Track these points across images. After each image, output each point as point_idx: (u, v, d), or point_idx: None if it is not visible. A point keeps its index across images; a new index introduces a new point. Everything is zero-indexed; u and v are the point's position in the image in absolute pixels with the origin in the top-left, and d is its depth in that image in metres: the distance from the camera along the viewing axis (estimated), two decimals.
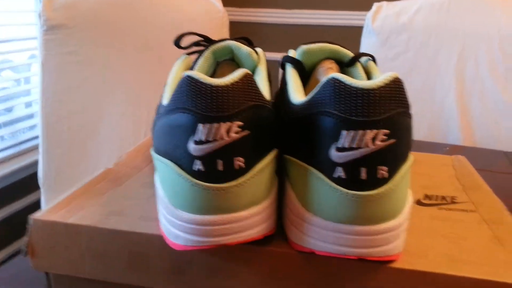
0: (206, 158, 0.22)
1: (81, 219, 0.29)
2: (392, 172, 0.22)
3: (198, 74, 0.23)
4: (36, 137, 1.26)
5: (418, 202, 0.35)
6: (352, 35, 1.12)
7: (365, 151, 0.21)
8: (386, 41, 1.01)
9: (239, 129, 0.22)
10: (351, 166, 0.21)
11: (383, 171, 0.22)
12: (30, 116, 1.48)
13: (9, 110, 1.41)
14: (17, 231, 1.38)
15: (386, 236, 0.23)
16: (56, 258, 0.29)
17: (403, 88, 0.22)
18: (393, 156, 0.22)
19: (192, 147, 0.22)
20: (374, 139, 0.21)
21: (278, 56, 1.68)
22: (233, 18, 1.61)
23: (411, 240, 0.27)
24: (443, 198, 0.36)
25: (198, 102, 0.22)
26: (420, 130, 1.02)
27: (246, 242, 0.25)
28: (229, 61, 0.35)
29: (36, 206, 1.14)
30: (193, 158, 0.22)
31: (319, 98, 0.23)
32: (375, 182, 0.22)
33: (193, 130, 0.22)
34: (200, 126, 0.22)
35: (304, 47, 0.31)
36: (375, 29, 1.02)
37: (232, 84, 0.23)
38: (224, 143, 0.22)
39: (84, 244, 0.29)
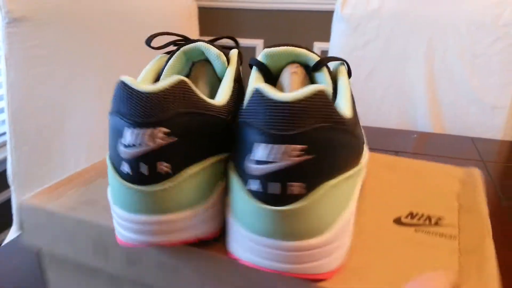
0: (132, 161, 0.23)
1: (57, 206, 0.32)
2: (310, 188, 0.21)
3: (131, 79, 0.24)
4: (5, 133, 1.23)
5: (397, 221, 0.32)
6: (326, 20, 1.11)
7: (279, 166, 0.21)
8: (356, 28, 1.01)
9: (164, 136, 0.22)
10: (264, 180, 0.21)
11: (298, 187, 0.21)
12: (0, 111, 1.44)
13: None
14: None
15: (311, 253, 0.22)
16: (39, 237, 0.34)
17: (327, 102, 0.21)
18: (310, 172, 0.21)
19: (121, 149, 0.23)
20: (288, 153, 0.20)
21: (251, 42, 1.67)
22: (204, 4, 1.59)
23: (362, 260, 0.26)
24: (428, 218, 0.32)
25: (127, 107, 0.23)
26: (390, 118, 1.03)
27: (187, 243, 0.26)
28: (204, 62, 0.34)
29: (7, 204, 1.12)
30: (121, 160, 0.23)
31: (246, 108, 0.22)
32: (290, 198, 0.21)
33: (122, 134, 0.23)
34: (128, 130, 0.23)
35: (267, 50, 0.30)
36: (345, 16, 1.02)
37: (162, 91, 0.23)
38: (148, 148, 0.23)
39: (57, 228, 0.32)
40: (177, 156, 0.23)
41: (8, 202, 1.08)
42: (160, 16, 1.07)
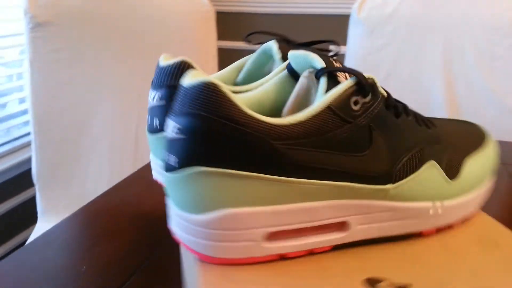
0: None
1: None
2: (181, 164, 0.26)
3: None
4: (29, 134, 1.27)
5: None
6: (342, 23, 1.12)
7: (167, 138, 0.27)
8: (372, 32, 1.01)
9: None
10: (165, 151, 0.27)
11: (173, 160, 0.26)
12: (24, 112, 1.49)
13: (2, 106, 1.42)
14: (14, 228, 1.40)
15: (196, 230, 0.28)
16: None
17: (216, 95, 0.25)
18: (181, 149, 0.26)
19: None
20: (171, 129, 0.26)
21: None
22: (222, 9, 1.61)
23: None
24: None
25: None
26: None
27: None
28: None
29: (32, 202, 1.16)
30: None
31: None
32: (169, 167, 0.27)
33: None
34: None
35: (290, 53, 0.32)
36: (361, 20, 1.02)
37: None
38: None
39: None
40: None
41: (33, 199, 1.12)
42: (179, 20, 1.09)
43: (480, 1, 0.94)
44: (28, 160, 1.16)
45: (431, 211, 0.33)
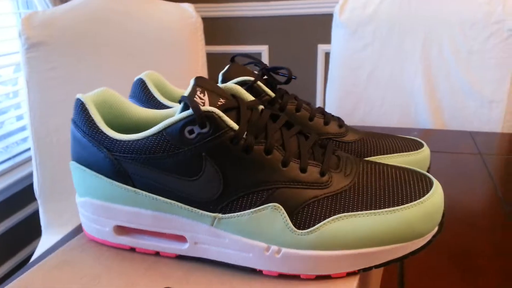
0: None
1: None
2: (71, 156, 0.38)
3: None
4: (30, 149, 1.31)
5: None
6: (328, 22, 1.16)
7: None
8: (354, 33, 1.06)
9: None
10: None
11: None
12: (23, 129, 1.53)
13: (1, 124, 1.45)
14: (18, 244, 1.44)
15: None
16: None
17: (79, 107, 0.35)
18: (71, 145, 0.38)
19: None
20: None
21: (257, 48, 1.72)
22: (209, 15, 1.64)
23: None
24: None
25: None
26: (392, 115, 1.08)
27: None
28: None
29: (35, 217, 1.20)
30: None
31: None
32: None
33: None
34: None
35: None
36: (343, 22, 1.07)
37: None
38: None
39: None
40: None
41: (36, 213, 1.15)
42: (168, 34, 1.14)
43: None
44: (29, 176, 1.20)
45: (266, 253, 0.32)
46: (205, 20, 1.26)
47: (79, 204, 0.39)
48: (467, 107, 1.00)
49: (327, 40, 1.21)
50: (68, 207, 1.14)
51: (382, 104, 1.06)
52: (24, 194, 1.43)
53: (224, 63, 0.44)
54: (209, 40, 1.34)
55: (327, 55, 1.64)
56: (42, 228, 1.15)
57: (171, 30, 1.14)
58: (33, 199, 1.16)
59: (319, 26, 1.62)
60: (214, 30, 1.69)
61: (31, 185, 1.16)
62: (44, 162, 1.12)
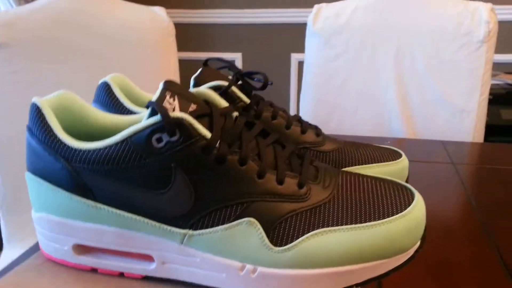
0: None
1: None
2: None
3: None
4: None
5: None
6: (302, 32, 1.15)
7: None
8: (327, 42, 1.06)
9: None
10: None
11: None
12: None
13: None
14: None
15: None
16: None
17: (35, 112, 0.32)
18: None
19: None
20: None
21: (230, 56, 1.70)
22: (181, 20, 1.62)
23: None
24: None
25: None
26: (365, 124, 1.07)
27: None
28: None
29: None
30: None
31: None
32: None
33: None
34: None
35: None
36: (316, 31, 1.06)
37: None
38: None
39: None
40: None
41: None
42: (138, 38, 1.10)
43: (427, 9, 1.00)
44: None
45: (240, 272, 0.30)
46: (178, 26, 1.23)
47: (35, 221, 0.35)
48: (439, 117, 1.01)
49: (301, 49, 1.20)
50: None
51: (355, 113, 1.06)
52: None
53: (196, 70, 0.41)
54: (181, 47, 1.31)
55: (300, 64, 1.64)
56: (4, 242, 1.08)
57: (141, 33, 1.11)
58: None
59: (293, 35, 1.61)
60: (187, 36, 1.66)
61: None
62: (5, 172, 1.06)
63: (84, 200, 0.32)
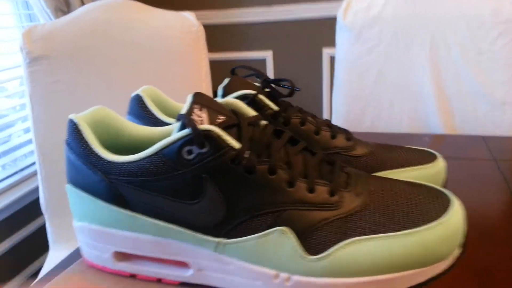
0: None
1: None
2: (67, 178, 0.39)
3: None
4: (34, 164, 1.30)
5: None
6: (333, 25, 1.13)
7: None
8: (358, 36, 1.04)
9: None
10: None
11: None
12: (30, 141, 1.52)
13: (8, 137, 1.45)
14: (26, 259, 1.43)
15: None
16: None
17: (72, 128, 0.34)
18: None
19: None
20: None
21: (261, 54, 1.70)
22: (210, 22, 1.63)
23: None
24: None
25: None
26: (402, 120, 1.05)
27: None
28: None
29: (42, 231, 1.18)
30: None
31: None
32: None
33: None
34: None
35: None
36: (347, 25, 1.05)
37: None
38: None
39: None
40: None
41: (43, 228, 1.14)
42: (169, 44, 1.13)
43: None
44: (36, 190, 1.18)
45: (275, 280, 0.30)
46: (207, 27, 1.24)
47: (77, 229, 0.37)
48: (478, 110, 0.97)
49: (332, 43, 1.19)
50: None
51: (390, 108, 1.03)
52: (31, 208, 1.42)
53: (227, 71, 0.41)
54: (211, 48, 1.32)
55: (332, 58, 1.61)
56: (50, 243, 1.14)
57: (172, 40, 1.13)
58: (41, 213, 1.15)
59: (323, 30, 1.59)
60: (216, 37, 1.67)
61: (38, 199, 1.14)
62: (49, 177, 1.11)
63: (121, 210, 0.33)
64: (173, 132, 0.30)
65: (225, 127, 0.30)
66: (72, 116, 0.34)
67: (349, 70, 1.06)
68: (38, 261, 1.46)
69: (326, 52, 1.63)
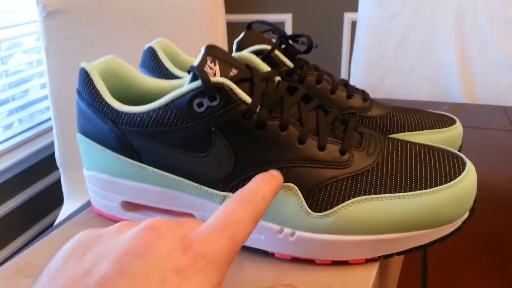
0: None
1: None
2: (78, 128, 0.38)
3: None
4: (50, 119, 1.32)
5: None
6: None
7: None
8: (382, 0, 0.99)
9: None
10: None
11: None
12: (46, 97, 1.53)
13: (25, 92, 1.46)
14: (41, 212, 1.47)
15: None
16: None
17: (84, 77, 0.34)
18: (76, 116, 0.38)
19: None
20: None
21: (280, 17, 1.66)
22: None
23: None
24: None
25: None
26: (421, 88, 1.03)
27: None
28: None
29: (57, 185, 1.21)
30: None
31: None
32: None
33: None
34: None
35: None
36: None
37: None
38: None
39: None
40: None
41: (58, 182, 1.17)
42: (187, 2, 1.09)
43: None
44: (52, 144, 1.21)
45: (279, 235, 0.30)
46: None
47: (86, 178, 0.37)
48: (502, 81, 0.94)
49: (354, 8, 1.15)
50: None
51: (410, 75, 1.01)
52: (47, 162, 1.45)
53: (242, 31, 0.41)
54: (229, 9, 1.29)
55: (353, 24, 1.57)
56: (64, 196, 1.17)
57: None
58: (56, 167, 1.18)
59: None
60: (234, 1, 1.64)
61: (53, 154, 1.17)
62: (64, 132, 1.13)
63: (130, 160, 0.33)
64: (185, 84, 0.30)
65: (237, 80, 0.29)
66: (83, 64, 0.34)
67: (370, 35, 1.03)
68: (53, 213, 1.51)
69: (348, 17, 1.58)
